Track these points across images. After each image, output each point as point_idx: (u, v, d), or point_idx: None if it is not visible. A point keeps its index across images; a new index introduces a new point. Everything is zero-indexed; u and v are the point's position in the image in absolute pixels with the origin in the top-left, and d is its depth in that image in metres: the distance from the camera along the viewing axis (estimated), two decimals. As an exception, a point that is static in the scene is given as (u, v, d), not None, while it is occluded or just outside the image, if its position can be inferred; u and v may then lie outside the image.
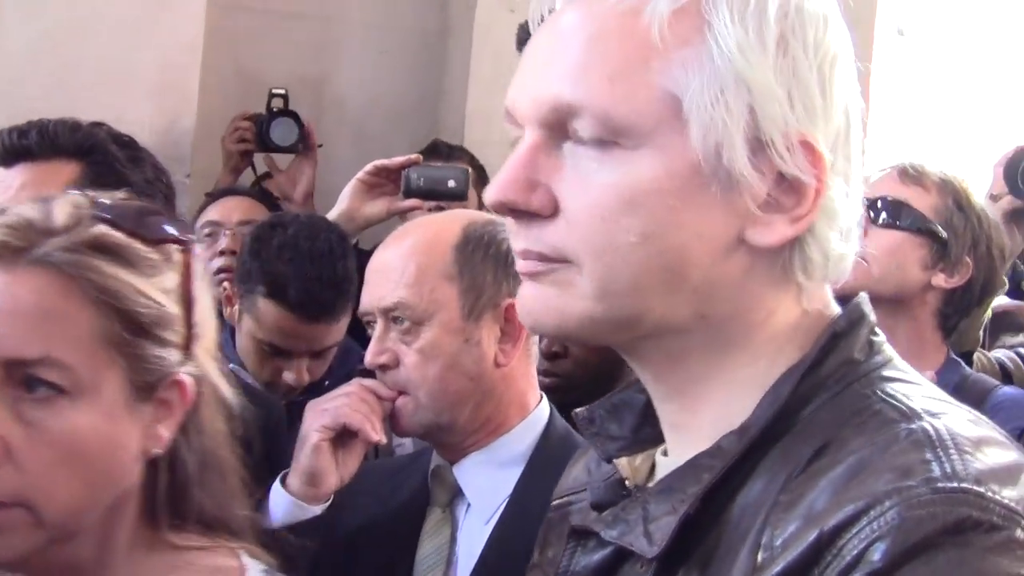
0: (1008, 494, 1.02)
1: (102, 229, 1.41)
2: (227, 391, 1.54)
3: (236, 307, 3.07)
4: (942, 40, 7.03)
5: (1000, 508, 1.01)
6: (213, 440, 1.52)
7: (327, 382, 3.06)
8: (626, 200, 1.10)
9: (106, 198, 1.47)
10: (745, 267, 1.15)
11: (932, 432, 1.06)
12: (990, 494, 1.01)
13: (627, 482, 1.27)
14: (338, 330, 3.04)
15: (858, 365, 1.17)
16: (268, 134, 4.22)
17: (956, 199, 2.71)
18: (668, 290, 1.13)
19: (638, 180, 1.10)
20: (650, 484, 1.24)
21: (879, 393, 1.14)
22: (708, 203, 1.11)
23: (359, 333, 3.20)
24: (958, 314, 2.75)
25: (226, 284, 3.19)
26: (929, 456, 1.03)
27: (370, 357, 2.13)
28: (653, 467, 1.27)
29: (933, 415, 1.10)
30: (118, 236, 1.42)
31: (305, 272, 2.94)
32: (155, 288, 1.42)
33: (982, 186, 3.32)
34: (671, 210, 1.10)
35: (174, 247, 1.47)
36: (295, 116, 4.27)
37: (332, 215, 3.42)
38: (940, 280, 2.70)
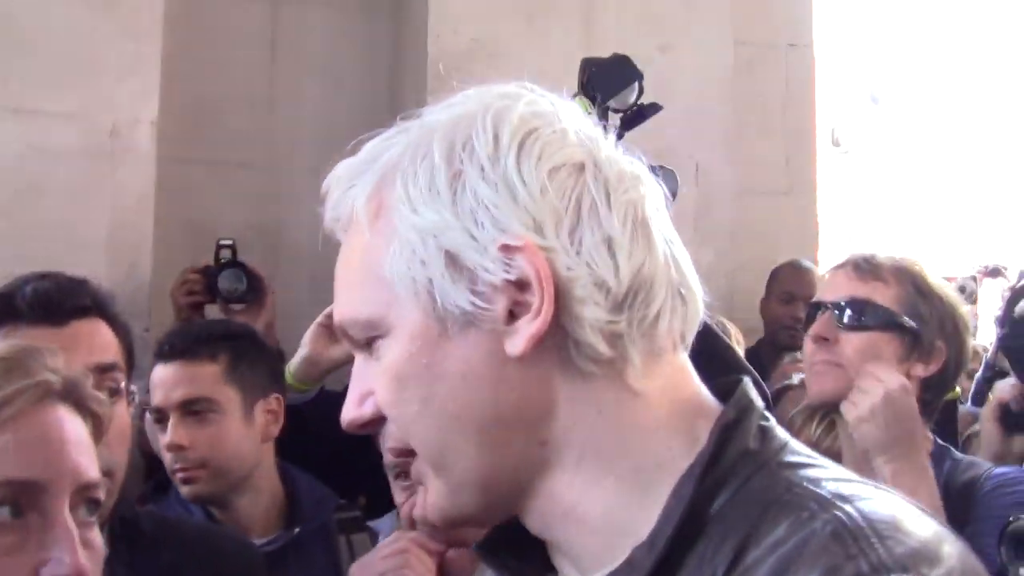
0: (937, 573, 1.02)
1: None
2: None
3: None
4: (916, 107, 7.19)
5: None
6: None
7: (298, 530, 3.02)
8: (396, 379, 1.17)
9: None
10: (531, 379, 1.15)
11: (848, 521, 1.05)
12: None
13: None
14: (201, 378, 2.99)
15: (756, 455, 1.15)
16: (217, 286, 4.21)
17: (916, 285, 2.66)
18: (476, 436, 1.16)
19: (396, 358, 1.17)
20: None
21: (784, 483, 1.12)
22: (454, 346, 1.15)
23: (319, 473, 3.19)
24: (937, 398, 2.72)
25: None
26: (853, 550, 1.03)
27: (418, 510, 2.06)
28: None
29: (844, 500, 1.08)
30: None
31: (178, 329, 3.19)
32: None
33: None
34: (427, 368, 1.15)
35: None
36: (243, 266, 4.27)
37: (295, 360, 3.42)
38: (919, 370, 2.64)
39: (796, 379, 3.84)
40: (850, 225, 6.56)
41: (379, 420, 1.21)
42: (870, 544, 1.03)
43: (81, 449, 1.49)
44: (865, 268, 2.69)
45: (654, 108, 3.42)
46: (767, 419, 1.20)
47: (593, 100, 3.17)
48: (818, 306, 2.71)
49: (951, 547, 1.07)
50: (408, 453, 1.22)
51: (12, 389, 1.45)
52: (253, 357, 3.08)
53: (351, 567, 2.05)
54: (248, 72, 4.98)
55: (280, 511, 3.07)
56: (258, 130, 4.93)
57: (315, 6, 5.07)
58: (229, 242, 4.30)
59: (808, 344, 2.70)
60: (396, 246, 1.16)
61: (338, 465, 3.12)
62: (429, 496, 1.21)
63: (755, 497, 1.11)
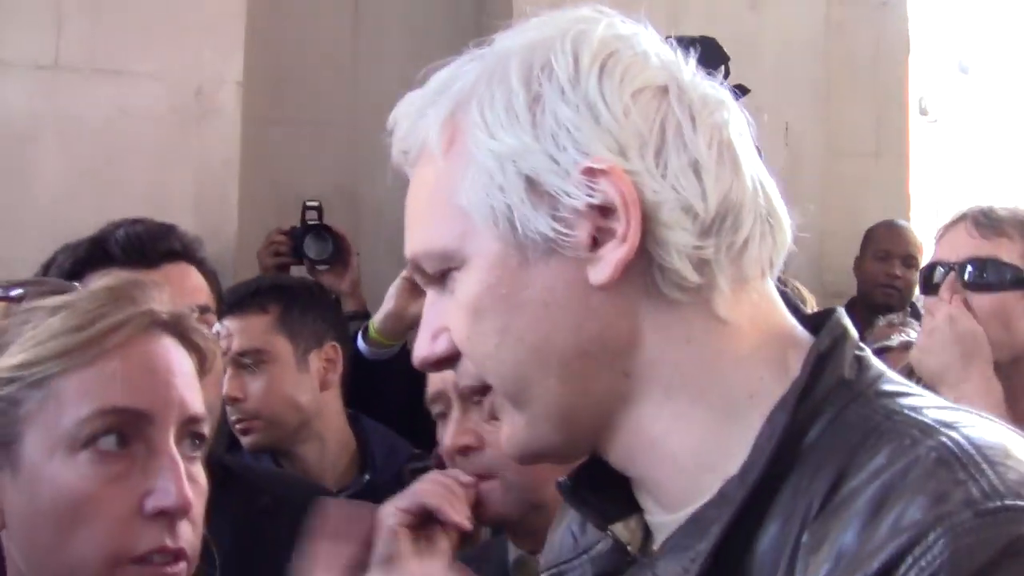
0: None
1: None
2: None
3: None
4: (1005, 78, 7.07)
5: None
6: None
7: (367, 476, 3.02)
8: (473, 312, 1.13)
9: None
10: (616, 308, 1.11)
11: (954, 447, 1.01)
12: None
13: (628, 547, 1.21)
14: (251, 330, 3.02)
15: (852, 384, 1.11)
16: (303, 248, 4.22)
17: None
18: (558, 368, 1.13)
19: (472, 290, 1.13)
20: (653, 547, 1.18)
21: (883, 411, 1.08)
22: (535, 275, 1.12)
23: (403, 428, 3.18)
24: None
25: None
26: (961, 475, 0.98)
27: (451, 439, 2.04)
28: (648, 530, 1.21)
29: (948, 426, 1.04)
30: None
31: (235, 285, 3.21)
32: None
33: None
34: (506, 299, 1.12)
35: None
36: (328, 228, 4.28)
37: (379, 315, 3.41)
38: None
39: (895, 341, 3.77)
40: (938, 192, 6.45)
41: (453, 357, 1.18)
42: (980, 470, 0.98)
43: (187, 381, 1.47)
44: (985, 223, 2.54)
45: (741, 90, 3.34)
46: (862, 348, 1.16)
47: None
48: (934, 267, 2.58)
49: None
50: (484, 390, 1.19)
51: (121, 316, 1.44)
52: (305, 307, 3.09)
53: (383, 505, 2.02)
54: (331, 31, 4.97)
55: (352, 460, 3.09)
56: (341, 90, 4.92)
57: (399, -36, 5.05)
58: (315, 204, 4.33)
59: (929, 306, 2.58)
60: (472, 173, 1.12)
61: (420, 419, 3.12)
62: (506, 430, 1.19)
63: (852, 426, 1.07)
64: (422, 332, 1.20)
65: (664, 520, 1.16)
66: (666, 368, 1.12)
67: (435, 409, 2.11)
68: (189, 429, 1.46)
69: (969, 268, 2.51)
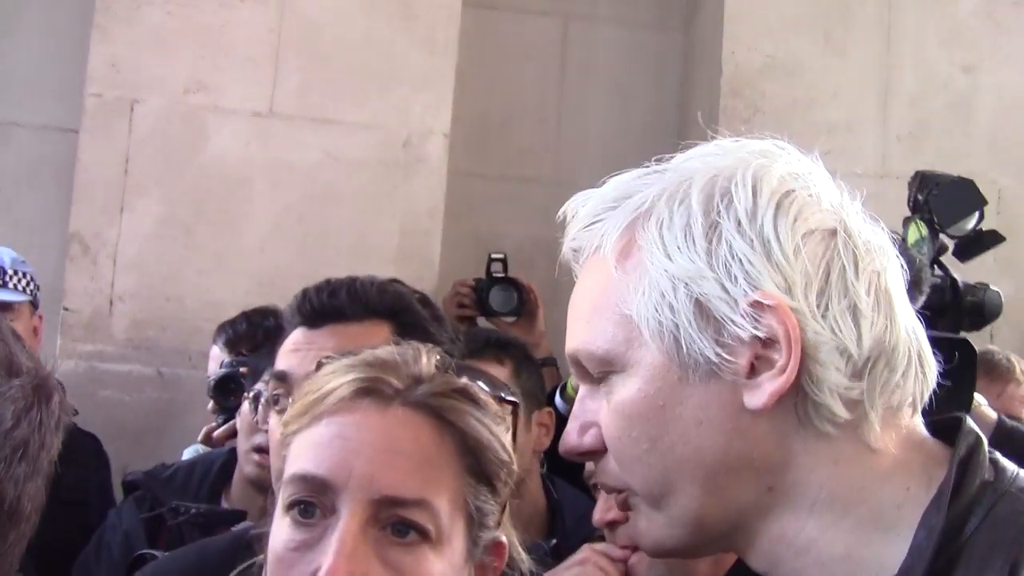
0: None
1: (465, 379, 1.46)
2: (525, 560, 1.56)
3: None
4: None
5: None
6: None
7: (554, 540, 2.98)
8: (627, 416, 1.20)
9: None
10: (766, 431, 1.17)
11: None
12: None
13: None
14: None
15: (994, 484, 1.17)
16: (488, 300, 4.25)
17: None
18: (703, 479, 1.19)
19: (629, 396, 1.20)
20: None
21: None
22: (693, 393, 1.18)
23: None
24: None
25: None
26: None
27: (598, 515, 2.05)
28: None
29: None
30: (477, 387, 1.45)
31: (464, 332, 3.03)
32: (503, 441, 1.45)
33: None
34: (662, 411, 1.18)
35: (508, 405, 1.50)
36: (514, 281, 4.28)
37: None
38: None
39: None
40: None
41: (599, 452, 1.25)
42: None
43: (391, 459, 1.36)
44: None
45: (995, 238, 3.18)
46: (993, 452, 1.21)
47: (929, 221, 3.00)
48: None
49: None
50: (618, 490, 1.26)
51: (336, 383, 1.40)
52: (531, 368, 3.08)
53: None
54: (537, 86, 5.05)
55: (543, 522, 3.05)
56: (545, 144, 4.97)
57: (605, 21, 5.10)
58: (500, 256, 4.35)
59: None
60: (646, 288, 1.19)
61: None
62: (643, 525, 1.25)
63: (1007, 521, 1.13)
64: (572, 423, 1.27)
65: None
66: (812, 487, 1.18)
67: (591, 481, 2.15)
68: (387, 511, 1.35)
69: None
